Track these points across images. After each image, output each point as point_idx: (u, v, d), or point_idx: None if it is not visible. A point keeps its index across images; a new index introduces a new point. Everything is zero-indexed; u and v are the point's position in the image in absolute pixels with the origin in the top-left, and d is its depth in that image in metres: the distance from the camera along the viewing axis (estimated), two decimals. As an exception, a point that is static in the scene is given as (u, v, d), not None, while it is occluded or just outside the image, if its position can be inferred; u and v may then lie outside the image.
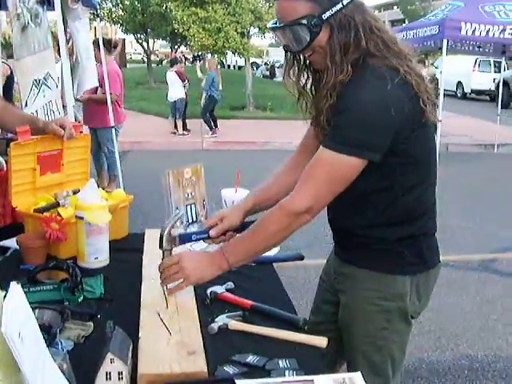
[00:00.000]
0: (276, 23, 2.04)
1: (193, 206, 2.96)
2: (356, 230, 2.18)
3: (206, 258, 2.12)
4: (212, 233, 2.22)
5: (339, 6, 1.93)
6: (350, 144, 1.92)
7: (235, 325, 2.03)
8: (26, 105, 3.91)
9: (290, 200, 2.02)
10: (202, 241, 2.37)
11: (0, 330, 1.23)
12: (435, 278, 2.28)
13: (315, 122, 2.21)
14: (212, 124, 15.70)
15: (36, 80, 4.09)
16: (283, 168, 2.43)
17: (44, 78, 4.22)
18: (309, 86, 2.19)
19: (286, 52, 2.14)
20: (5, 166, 4.07)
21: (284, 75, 2.19)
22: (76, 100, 6.82)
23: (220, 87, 16.16)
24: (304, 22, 1.93)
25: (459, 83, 29.11)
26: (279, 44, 2.21)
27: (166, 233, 2.10)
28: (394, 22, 57.40)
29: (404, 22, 43.39)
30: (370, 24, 2.00)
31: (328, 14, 1.92)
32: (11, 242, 2.79)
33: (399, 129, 1.94)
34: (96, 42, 7.72)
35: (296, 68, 2.16)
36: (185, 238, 2.21)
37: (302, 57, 2.13)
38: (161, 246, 2.11)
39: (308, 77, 2.19)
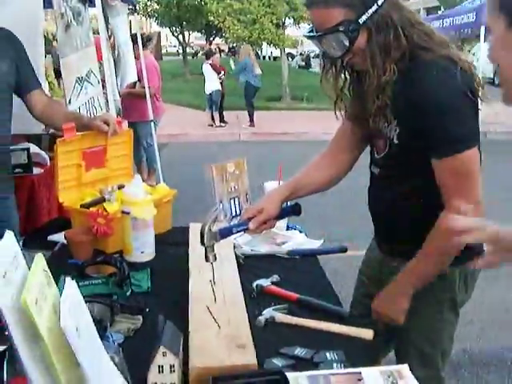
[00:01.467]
0: (312, 31, 2.04)
1: (236, 199, 2.98)
2: (404, 222, 2.18)
3: (392, 295, 2.16)
4: (251, 225, 2.21)
5: (374, 7, 1.93)
6: (462, 140, 1.94)
7: (282, 317, 2.05)
8: (70, 102, 3.97)
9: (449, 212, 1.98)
10: (244, 232, 2.38)
11: (60, 324, 1.27)
12: (480, 269, 2.28)
13: (357, 121, 2.24)
14: (252, 115, 15.71)
15: (79, 77, 4.14)
16: (318, 159, 2.45)
17: (86, 75, 4.28)
18: (346, 87, 2.20)
19: (323, 58, 2.15)
20: (48, 161, 4.15)
21: (321, 79, 2.19)
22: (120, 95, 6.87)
23: (257, 72, 15.90)
24: (341, 28, 1.93)
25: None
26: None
27: (206, 229, 2.11)
28: (428, 10, 56.73)
29: (439, 9, 42.85)
30: (408, 19, 2.00)
31: (364, 17, 1.92)
32: (59, 237, 2.84)
33: (475, 112, 1.98)
34: (132, 37, 7.76)
35: (333, 71, 2.17)
36: (225, 232, 2.21)
37: (339, 60, 2.12)
38: (202, 243, 2.12)
39: (346, 78, 2.20)
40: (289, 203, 2.40)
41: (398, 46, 1.96)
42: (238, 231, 2.26)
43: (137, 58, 7.60)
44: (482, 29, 11.74)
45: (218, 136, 14.51)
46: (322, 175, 2.40)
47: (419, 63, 1.96)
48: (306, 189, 2.38)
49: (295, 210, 2.34)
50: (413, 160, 2.06)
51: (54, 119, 3.06)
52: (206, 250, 2.14)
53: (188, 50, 40.81)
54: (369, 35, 1.96)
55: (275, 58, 41.84)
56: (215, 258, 2.14)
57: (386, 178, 2.21)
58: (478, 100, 2.00)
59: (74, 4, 4.10)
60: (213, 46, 34.77)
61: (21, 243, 3.13)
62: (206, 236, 2.12)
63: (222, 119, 15.82)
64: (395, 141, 2.07)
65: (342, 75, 2.19)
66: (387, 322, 2.19)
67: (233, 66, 17.52)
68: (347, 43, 1.96)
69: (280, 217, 2.31)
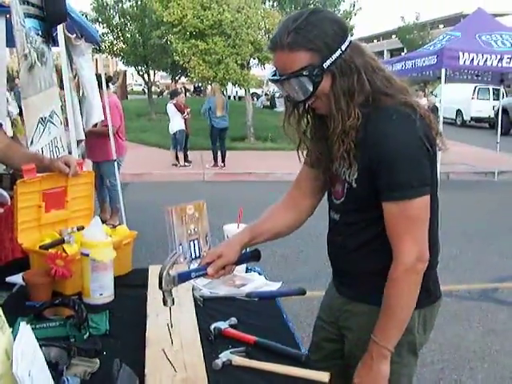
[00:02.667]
0: (276, 74, 2.05)
1: (196, 241, 3.00)
2: (365, 268, 2.19)
3: (369, 364, 2.12)
4: (210, 270, 2.20)
5: (338, 52, 1.96)
6: (415, 186, 1.97)
7: (239, 360, 2.05)
8: (32, 142, 3.96)
9: (397, 261, 2.02)
10: (202, 277, 2.39)
11: (12, 371, 1.27)
12: (438, 310, 2.31)
13: (318, 166, 2.25)
14: (216, 155, 15.76)
15: (42, 118, 4.14)
16: (279, 203, 2.45)
17: (50, 116, 4.28)
18: (309, 130, 2.22)
19: (286, 100, 2.16)
20: (9, 200, 4.12)
21: (284, 122, 2.20)
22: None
23: (219, 113, 15.69)
24: (305, 72, 1.95)
25: (459, 111, 29.27)
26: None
27: (164, 273, 2.11)
28: (392, 51, 57.88)
29: (403, 51, 43.75)
30: (370, 64, 2.04)
31: (328, 62, 1.95)
32: (17, 278, 2.82)
33: (430, 160, 2.02)
34: (98, 77, 7.79)
35: (296, 114, 2.18)
36: (184, 277, 2.20)
37: (302, 104, 2.13)
38: (160, 287, 2.12)
39: (308, 122, 2.21)
40: (248, 249, 2.40)
41: (362, 90, 1.99)
42: (197, 276, 2.25)
43: (101, 97, 7.64)
44: (443, 71, 12.00)
45: (181, 176, 14.52)
46: (283, 220, 2.40)
47: (380, 109, 1.99)
48: (266, 234, 2.37)
49: (254, 256, 2.36)
50: (371, 206, 2.08)
51: (13, 160, 3.05)
52: (163, 294, 2.13)
53: (154, 88, 40.93)
54: (333, 80, 1.98)
55: (240, 98, 42.14)
56: (173, 303, 2.13)
57: (346, 224, 2.21)
58: (436, 148, 2.06)
59: (38, 45, 4.11)
60: (178, 85, 34.92)
61: (-22, 284, 3.10)
62: (164, 280, 2.11)
63: (186, 159, 15.84)
64: (353, 185, 2.09)
65: (305, 119, 2.20)
66: None
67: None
68: (311, 87, 1.98)
69: (239, 262, 2.31)
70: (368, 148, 1.99)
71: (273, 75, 2.07)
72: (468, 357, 4.89)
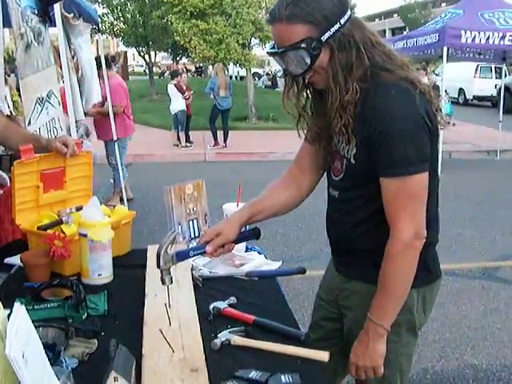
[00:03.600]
0: (274, 47, 2.03)
1: (195, 221, 2.98)
2: (363, 245, 2.18)
3: (365, 342, 2.11)
4: (208, 248, 2.19)
5: (337, 25, 1.93)
6: (414, 162, 1.95)
7: (238, 340, 2.04)
8: (30, 123, 3.94)
9: (394, 238, 2.01)
10: (201, 256, 2.38)
11: (4, 352, 1.26)
12: (438, 289, 2.30)
13: (318, 142, 2.23)
14: (215, 135, 15.77)
15: (39, 98, 4.11)
16: (279, 181, 2.43)
17: (47, 96, 4.25)
18: (308, 105, 2.20)
19: (285, 74, 2.14)
20: (9, 182, 4.11)
21: (283, 97, 2.18)
22: (85, 114, 6.91)
23: (222, 93, 15.77)
24: (303, 45, 1.93)
25: (461, 90, 29.17)
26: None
27: (162, 252, 2.10)
28: (394, 30, 57.59)
29: (405, 30, 43.55)
30: (370, 39, 2.02)
31: (327, 35, 1.93)
32: (15, 260, 2.81)
33: (431, 137, 2.00)
34: (97, 59, 7.79)
35: (295, 89, 2.15)
36: (182, 255, 2.20)
37: (301, 78, 2.11)
38: (158, 265, 2.11)
39: (308, 97, 2.19)
40: (248, 227, 2.39)
41: (360, 65, 1.97)
42: (195, 254, 2.24)
43: (101, 78, 7.64)
44: (445, 49, 11.93)
45: (183, 156, 14.51)
46: (283, 198, 2.38)
47: (379, 84, 1.97)
48: (266, 212, 2.36)
49: (254, 234, 2.34)
50: (369, 182, 2.06)
51: (11, 141, 3.03)
52: (161, 272, 2.12)
53: (155, 69, 40.84)
54: (331, 53, 1.96)
55: (242, 78, 42.03)
56: (171, 281, 2.13)
57: (345, 201, 2.19)
58: (437, 124, 2.03)
59: (34, 24, 4.08)
60: (179, 66, 34.81)
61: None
62: (161, 258, 2.10)
63: (187, 139, 15.81)
64: (352, 161, 2.07)
65: (304, 93, 2.18)
66: (368, 375, 2.15)
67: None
68: (308, 60, 1.96)
69: (238, 241, 2.29)
70: (366, 123, 1.97)
71: (271, 48, 2.05)
72: (470, 335, 4.89)
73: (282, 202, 2.39)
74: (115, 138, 8.46)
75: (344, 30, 1.95)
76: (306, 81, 2.12)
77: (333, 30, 1.93)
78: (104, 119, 8.49)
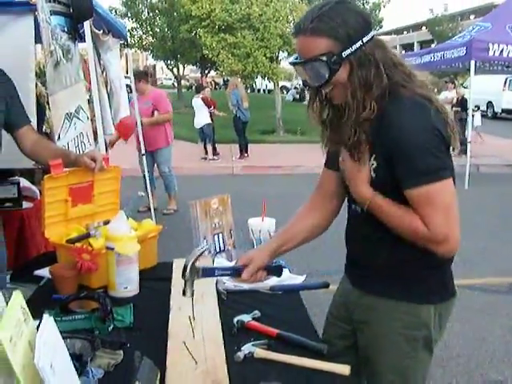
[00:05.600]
0: (297, 58, 2.08)
1: (220, 235, 3.02)
2: (382, 260, 2.18)
3: (362, 175, 2.12)
4: (245, 275, 2.25)
5: (359, 43, 1.97)
6: (435, 170, 1.97)
7: (260, 353, 2.07)
8: (59, 138, 4.02)
9: (429, 227, 1.99)
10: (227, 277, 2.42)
11: (33, 361, 1.30)
12: (452, 307, 2.30)
13: (336, 158, 2.27)
14: (246, 147, 15.86)
15: (68, 113, 4.19)
16: (304, 208, 2.47)
17: (75, 111, 4.33)
18: (328, 120, 2.22)
19: (305, 87, 2.19)
20: (39, 195, 4.19)
21: (308, 109, 2.22)
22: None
23: (245, 105, 16.00)
24: (324, 58, 1.97)
25: (489, 103, 28.95)
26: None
27: (190, 263, 2.15)
28: (422, 43, 57.37)
29: (433, 43, 43.34)
30: (391, 59, 2.06)
31: (348, 51, 1.97)
32: (44, 272, 2.87)
33: (447, 150, 2.03)
34: (136, 74, 8.11)
35: (318, 102, 2.19)
36: (208, 272, 2.25)
37: (323, 91, 2.14)
38: (183, 276, 2.15)
39: (329, 111, 2.21)
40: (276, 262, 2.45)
41: (379, 84, 2.00)
42: (221, 275, 2.30)
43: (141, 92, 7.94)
44: (472, 63, 11.90)
45: (210, 169, 14.58)
46: (309, 224, 2.42)
47: (398, 100, 2.00)
48: (294, 240, 2.40)
49: (276, 271, 2.40)
50: (392, 195, 2.08)
51: (41, 156, 3.10)
52: (185, 283, 2.16)
53: (183, 82, 41.11)
54: (350, 70, 2.00)
55: (269, 91, 42.10)
56: (192, 294, 2.16)
57: (369, 215, 2.18)
58: (450, 143, 2.05)
59: (63, 41, 4.16)
60: (208, 79, 35.00)
61: (8, 277, 3.16)
62: (188, 269, 2.15)
63: (214, 152, 15.89)
64: (372, 174, 2.09)
65: (326, 109, 2.21)
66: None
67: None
68: (327, 74, 2.00)
69: (268, 270, 2.35)
70: (385, 138, 2.00)
71: (294, 59, 2.10)
72: (495, 351, 4.85)
73: (309, 229, 2.43)
74: (169, 145, 9.27)
75: (365, 49, 1.99)
76: (326, 95, 2.15)
77: (354, 47, 1.97)
78: (153, 128, 8.92)
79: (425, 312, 2.17)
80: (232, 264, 2.37)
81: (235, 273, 2.32)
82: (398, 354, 2.22)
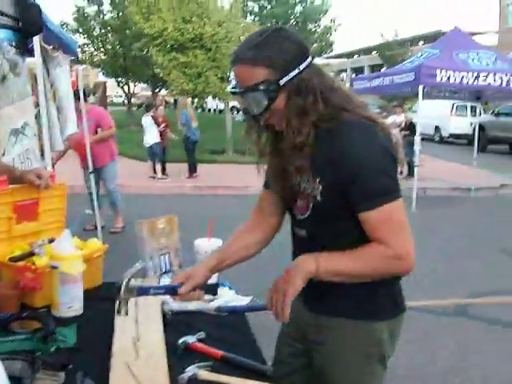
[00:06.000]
0: (235, 87, 2.10)
1: (167, 255, 3.00)
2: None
3: (295, 266, 2.07)
4: (181, 290, 2.19)
5: (296, 71, 2.00)
6: (389, 190, 2.01)
7: (205, 375, 2.06)
8: (4, 153, 3.96)
9: (387, 246, 2.01)
10: (163, 295, 2.38)
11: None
12: (403, 322, 2.32)
13: (277, 182, 2.29)
14: (195, 167, 15.85)
15: (14, 129, 4.13)
16: (244, 226, 2.47)
17: (22, 127, 4.27)
18: (268, 145, 2.24)
19: (245, 114, 2.19)
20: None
21: (245, 136, 2.24)
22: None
23: (194, 124, 16.00)
24: (262, 87, 1.99)
25: (437, 127, 29.50)
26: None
27: (124, 282, 2.12)
28: (373, 67, 58.30)
29: (383, 67, 44.07)
30: (329, 84, 2.09)
31: (285, 79, 1.99)
32: (-15, 291, 2.81)
33: (397, 170, 2.08)
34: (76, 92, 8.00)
35: (256, 128, 2.21)
36: (142, 291, 2.21)
37: (261, 119, 2.15)
38: (117, 295, 2.12)
39: (267, 138, 2.24)
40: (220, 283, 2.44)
41: (316, 109, 2.03)
42: (155, 293, 2.24)
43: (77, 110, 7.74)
44: (420, 88, 12.13)
45: (159, 188, 14.48)
46: (249, 242, 2.42)
47: (341, 123, 2.03)
48: (233, 257, 2.39)
49: (212, 289, 2.36)
50: (339, 218, 2.10)
51: None
52: (119, 302, 2.13)
53: (133, 100, 40.93)
54: (288, 97, 2.02)
55: (220, 111, 42.17)
56: (126, 313, 2.13)
57: (314, 238, 2.22)
58: (397, 160, 2.09)
59: (11, 56, 4.11)
60: (159, 98, 34.92)
61: None
62: (122, 289, 2.11)
63: (163, 171, 15.82)
64: (318, 198, 2.10)
65: (264, 134, 2.23)
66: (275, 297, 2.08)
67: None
68: (265, 102, 2.02)
69: (206, 288, 2.31)
70: (333, 162, 2.02)
71: (233, 87, 2.12)
72: (440, 372, 4.91)
73: (248, 246, 2.42)
74: (114, 160, 9.29)
75: (303, 76, 2.02)
76: (264, 122, 2.16)
77: (291, 74, 2.00)
78: (98, 145, 8.85)
79: (377, 329, 2.20)
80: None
81: (171, 291, 2.25)
82: (355, 372, 2.25)
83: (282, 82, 1.99)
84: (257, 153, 2.26)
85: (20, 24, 4.32)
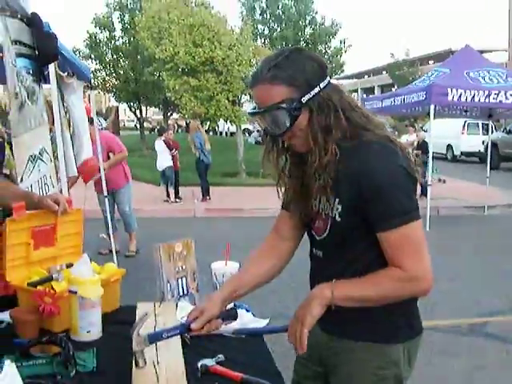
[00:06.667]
0: (255, 108, 2.11)
1: (183, 278, 3.01)
2: None
3: (311, 294, 2.11)
4: (194, 325, 2.19)
5: (317, 89, 2.02)
6: (409, 211, 2.02)
7: (225, 398, 2.06)
8: (22, 180, 3.99)
9: (403, 269, 2.02)
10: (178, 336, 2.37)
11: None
12: (420, 344, 2.32)
13: (295, 204, 2.29)
14: (208, 190, 15.90)
15: (32, 155, 4.17)
16: (259, 251, 2.47)
17: (39, 153, 4.31)
18: (287, 168, 2.26)
19: (265, 136, 2.22)
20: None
21: (263, 159, 2.26)
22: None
23: (208, 147, 16.12)
24: (284, 105, 2.00)
25: (449, 146, 29.46)
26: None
27: (134, 334, 2.12)
28: (383, 87, 58.42)
29: (393, 87, 44.17)
30: (348, 102, 2.10)
31: (307, 97, 2.01)
32: (4, 315, 2.82)
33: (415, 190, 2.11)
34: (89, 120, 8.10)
35: (275, 151, 2.22)
36: (154, 337, 2.20)
37: (280, 140, 2.18)
38: (131, 348, 2.12)
39: (286, 160, 2.25)
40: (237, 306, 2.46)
41: (339, 127, 2.04)
42: (169, 336, 2.24)
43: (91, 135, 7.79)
44: (432, 107, 12.13)
45: (172, 211, 14.54)
46: (264, 268, 2.41)
47: (362, 143, 2.04)
48: (248, 285, 2.39)
49: (231, 315, 2.35)
50: (356, 238, 2.11)
51: (3, 197, 3.07)
52: (134, 354, 2.13)
53: (146, 124, 41.16)
54: (310, 115, 2.03)
55: (232, 134, 42.27)
56: (145, 363, 2.13)
57: (331, 259, 2.22)
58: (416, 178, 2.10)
59: (28, 83, 4.16)
60: (170, 122, 35.06)
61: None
62: (134, 341, 2.12)
63: (176, 195, 15.86)
64: (337, 218, 2.10)
65: (283, 156, 2.24)
66: (294, 328, 2.14)
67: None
68: (288, 121, 2.03)
69: (222, 318, 2.30)
70: (353, 182, 2.03)
71: (252, 109, 2.13)
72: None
73: (263, 273, 2.42)
74: (128, 183, 9.45)
75: (323, 94, 2.03)
76: (285, 144, 2.18)
77: (313, 92, 2.01)
78: (112, 169, 8.95)
79: (394, 351, 2.20)
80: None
81: (184, 330, 2.25)
82: None
83: (304, 100, 2.01)
84: (276, 175, 2.27)
85: (36, 52, 4.38)
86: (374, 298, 2.08)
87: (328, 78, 2.08)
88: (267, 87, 2.02)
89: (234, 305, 3.03)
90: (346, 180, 2.05)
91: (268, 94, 2.03)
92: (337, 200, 2.10)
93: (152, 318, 2.57)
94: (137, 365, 2.13)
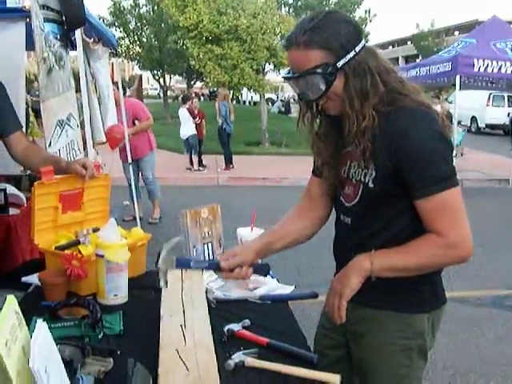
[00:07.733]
0: (289, 73, 2.07)
1: (209, 244, 3.02)
2: None
3: (350, 266, 2.09)
4: (223, 264, 2.20)
5: (352, 53, 1.98)
6: (448, 177, 1.98)
7: (251, 362, 2.07)
8: (50, 144, 4.01)
9: (445, 234, 1.99)
10: (205, 270, 2.40)
11: (28, 366, 1.30)
12: (443, 314, 2.31)
13: (326, 169, 2.27)
14: (231, 159, 15.92)
15: (60, 120, 4.19)
16: (292, 212, 2.46)
17: (67, 119, 4.33)
18: (321, 132, 2.23)
19: (300, 100, 2.19)
20: (25, 202, 4.18)
21: (298, 122, 2.21)
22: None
23: (232, 118, 16.18)
24: (319, 70, 1.96)
25: (473, 118, 29.16)
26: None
27: (163, 253, 2.14)
28: (407, 58, 57.81)
29: (418, 57, 43.69)
30: (384, 66, 2.06)
31: (342, 61, 1.96)
32: (33, 278, 2.86)
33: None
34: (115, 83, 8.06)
35: (309, 115, 2.19)
36: (183, 263, 2.22)
37: (315, 104, 2.14)
38: (156, 265, 2.14)
39: (321, 124, 2.23)
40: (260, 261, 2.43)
41: (376, 92, 2.00)
42: (197, 267, 2.25)
43: (116, 101, 7.76)
44: (458, 78, 12.00)
45: (196, 180, 14.58)
46: (298, 227, 2.40)
47: (400, 108, 2.00)
48: (281, 241, 2.38)
49: (263, 269, 2.35)
50: (387, 206, 2.09)
51: (32, 162, 3.10)
52: (158, 273, 2.15)
53: (169, 93, 41.09)
54: (346, 80, 1.99)
55: (255, 103, 42.13)
56: (166, 285, 2.17)
57: (359, 227, 2.20)
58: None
59: (56, 49, 4.17)
60: (195, 90, 35.03)
61: (-6, 284, 3.15)
62: (161, 259, 2.14)
63: (200, 163, 15.89)
64: (370, 185, 2.08)
65: (318, 120, 2.21)
66: (333, 300, 2.12)
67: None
68: (323, 86, 1.99)
69: (253, 268, 2.29)
70: (390, 147, 1.99)
71: (287, 73, 2.09)
72: (479, 363, 4.87)
73: (298, 231, 2.41)
74: (153, 151, 9.42)
75: (359, 58, 1.99)
76: (320, 107, 2.14)
77: (348, 56, 1.97)
78: (137, 136, 8.92)
79: (419, 321, 2.19)
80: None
81: (214, 266, 2.26)
82: (393, 364, 2.23)
83: (339, 65, 1.97)
84: (310, 139, 2.24)
85: (64, 17, 4.38)
86: (414, 266, 2.06)
87: (363, 40, 2.04)
88: (302, 52, 1.98)
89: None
90: (383, 146, 2.01)
91: (303, 58, 1.99)
92: (372, 166, 2.06)
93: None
94: (158, 284, 2.15)
